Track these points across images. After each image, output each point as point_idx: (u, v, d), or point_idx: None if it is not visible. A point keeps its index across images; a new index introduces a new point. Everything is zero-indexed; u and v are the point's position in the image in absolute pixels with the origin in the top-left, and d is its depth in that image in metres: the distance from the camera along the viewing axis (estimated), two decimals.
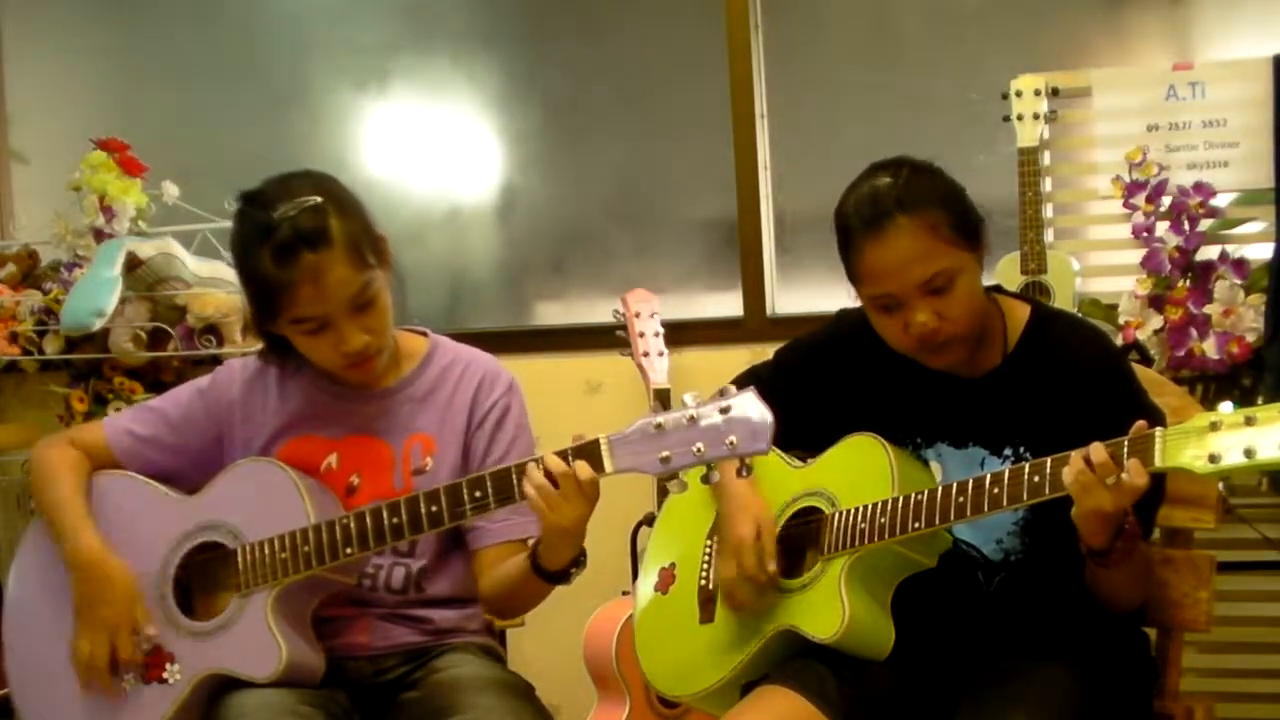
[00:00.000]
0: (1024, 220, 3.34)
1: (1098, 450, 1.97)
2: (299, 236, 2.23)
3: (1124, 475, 1.96)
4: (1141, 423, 1.98)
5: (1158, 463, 1.95)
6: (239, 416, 2.45)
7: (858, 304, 2.29)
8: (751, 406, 2.00)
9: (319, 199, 2.27)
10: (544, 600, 2.39)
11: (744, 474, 2.04)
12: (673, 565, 2.45)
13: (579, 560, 2.25)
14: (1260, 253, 3.20)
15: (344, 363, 2.32)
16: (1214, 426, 1.90)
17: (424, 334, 2.52)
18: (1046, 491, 2.04)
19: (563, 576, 2.26)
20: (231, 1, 4.49)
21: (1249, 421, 1.87)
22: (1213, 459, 1.89)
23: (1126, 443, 1.97)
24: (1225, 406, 1.91)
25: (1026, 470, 2.06)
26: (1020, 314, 2.30)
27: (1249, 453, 1.87)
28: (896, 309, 2.18)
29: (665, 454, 2.03)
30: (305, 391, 2.45)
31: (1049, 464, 2.04)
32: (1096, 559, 2.08)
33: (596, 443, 2.10)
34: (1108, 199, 3.37)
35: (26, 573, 2.48)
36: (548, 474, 2.11)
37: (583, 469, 2.09)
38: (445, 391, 2.44)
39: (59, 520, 2.40)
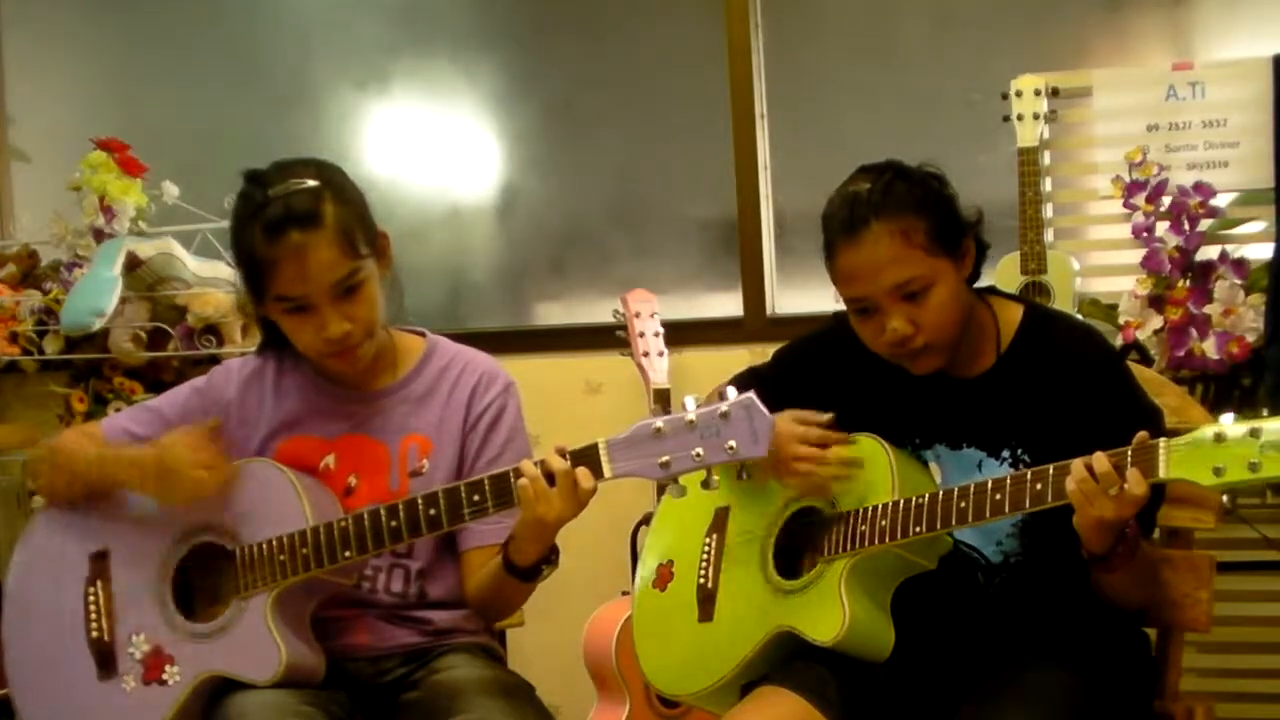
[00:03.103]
0: (1024, 220, 3.33)
1: (1101, 460, 1.97)
2: (289, 214, 2.24)
3: (1125, 485, 1.96)
4: (1144, 433, 1.98)
5: (1162, 474, 1.95)
6: (236, 416, 2.45)
7: None
8: (752, 410, 1.99)
9: (316, 183, 2.28)
10: (531, 601, 2.39)
11: (743, 478, 2.04)
12: (670, 562, 2.45)
13: (549, 558, 2.26)
14: (1260, 253, 3.20)
15: (325, 349, 2.32)
16: (1219, 439, 1.89)
17: (422, 334, 2.52)
18: (1049, 499, 2.04)
19: (533, 574, 2.27)
20: (232, 1, 4.49)
21: (1254, 434, 1.87)
22: (1217, 472, 1.89)
23: (1130, 453, 1.97)
24: (1228, 418, 1.90)
25: (1029, 477, 2.06)
26: (1013, 314, 2.30)
27: (1254, 467, 1.86)
28: (872, 313, 2.20)
29: (665, 459, 2.02)
30: (302, 391, 2.45)
31: (1051, 471, 2.04)
32: (1098, 564, 2.08)
33: (595, 447, 2.09)
34: (1108, 199, 3.37)
35: (27, 573, 2.48)
36: (548, 473, 2.11)
37: (584, 476, 2.09)
38: (442, 392, 2.44)
39: (93, 465, 2.38)
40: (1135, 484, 1.95)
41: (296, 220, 2.24)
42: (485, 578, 2.37)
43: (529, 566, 2.25)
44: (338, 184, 2.33)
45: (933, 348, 2.21)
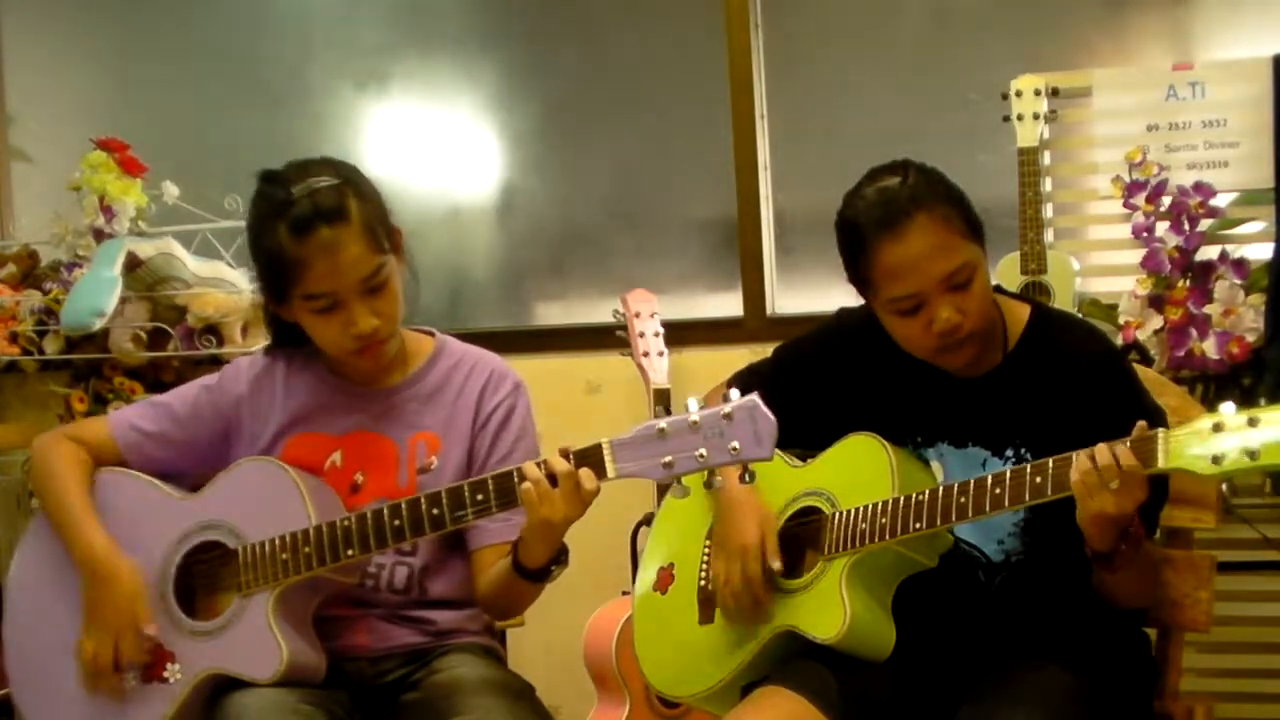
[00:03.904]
0: (1024, 220, 3.34)
1: (1102, 452, 1.97)
2: (317, 211, 2.25)
3: (1124, 477, 1.96)
4: (1143, 423, 1.98)
5: (1161, 464, 1.95)
6: (245, 413, 2.45)
7: (858, 303, 2.29)
8: (755, 411, 1.98)
9: (338, 180, 2.29)
10: (536, 600, 2.39)
11: (747, 479, 2.04)
12: (671, 565, 2.45)
13: (559, 558, 2.26)
14: (1260, 253, 3.20)
15: (353, 345, 2.32)
16: (1217, 428, 1.90)
17: (431, 334, 2.52)
18: (1049, 492, 2.04)
19: (543, 575, 2.27)
20: (233, 2, 4.49)
21: (1252, 423, 1.88)
22: (1216, 460, 1.90)
23: (1129, 444, 1.97)
24: (1227, 407, 1.91)
25: (1028, 471, 2.06)
26: (1020, 314, 2.30)
27: (1252, 454, 1.87)
28: (918, 310, 2.18)
29: (668, 459, 2.02)
30: (311, 388, 2.45)
31: (1051, 464, 2.04)
32: (1102, 562, 2.08)
33: (599, 447, 2.09)
34: (1108, 199, 3.37)
35: (27, 571, 2.48)
36: (550, 475, 2.11)
37: (588, 477, 2.09)
38: (451, 390, 2.44)
39: (64, 518, 2.39)
40: (1135, 473, 1.95)
41: (325, 216, 2.24)
42: (495, 577, 2.36)
43: (539, 568, 2.25)
44: (357, 181, 2.34)
45: (976, 335, 2.20)
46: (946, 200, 2.17)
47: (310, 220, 2.24)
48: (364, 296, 2.29)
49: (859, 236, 2.19)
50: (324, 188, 2.27)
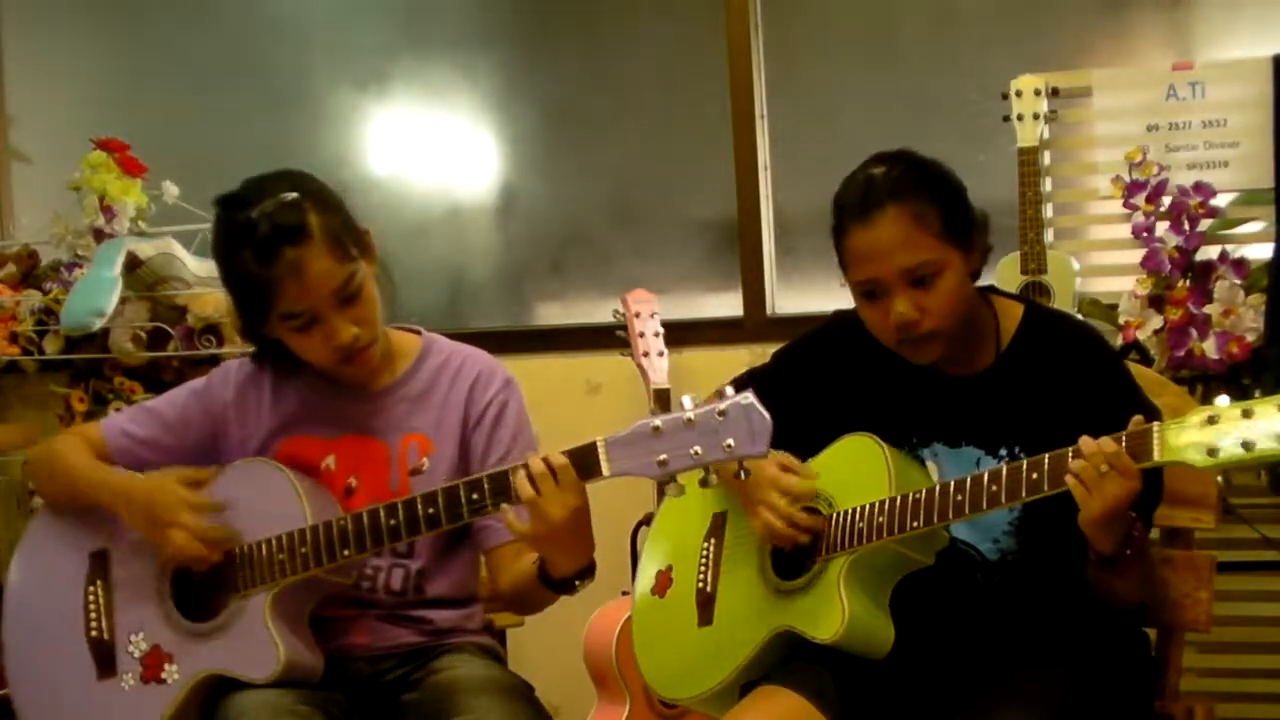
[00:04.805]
0: (1024, 220, 3.33)
1: (1087, 443, 1.98)
2: (278, 232, 2.23)
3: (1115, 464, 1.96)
4: (1139, 417, 1.99)
5: (1156, 457, 1.95)
6: (234, 417, 2.45)
7: (854, 305, 2.30)
8: (749, 408, 1.98)
9: (295, 195, 2.27)
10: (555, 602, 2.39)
11: (742, 477, 2.03)
12: (669, 568, 2.45)
13: (585, 571, 2.23)
14: (1260, 253, 3.20)
15: (337, 357, 2.32)
16: (1211, 420, 1.90)
17: (417, 332, 2.51)
18: (1045, 488, 2.04)
19: (566, 586, 2.25)
20: (232, 2, 4.49)
21: (1246, 414, 1.88)
22: (1211, 452, 1.90)
23: (1125, 437, 1.98)
24: (1222, 400, 1.92)
25: (1025, 467, 2.06)
26: (1014, 313, 2.30)
27: (1247, 445, 1.88)
28: (879, 297, 2.19)
29: (663, 457, 2.02)
30: (300, 392, 2.45)
31: (1046, 461, 2.04)
32: (1106, 565, 2.08)
33: (594, 446, 2.09)
34: (1108, 199, 3.37)
35: (27, 572, 2.48)
36: (531, 480, 2.10)
37: (555, 457, 2.08)
38: (440, 390, 2.44)
39: (80, 477, 2.39)
40: (1121, 458, 1.96)
41: (286, 236, 2.23)
42: (517, 579, 2.35)
43: (562, 579, 2.22)
44: (314, 191, 2.31)
45: (936, 335, 2.20)
46: (929, 197, 2.18)
47: (272, 242, 2.22)
48: (340, 307, 2.28)
49: (839, 217, 2.23)
50: (282, 206, 2.25)
